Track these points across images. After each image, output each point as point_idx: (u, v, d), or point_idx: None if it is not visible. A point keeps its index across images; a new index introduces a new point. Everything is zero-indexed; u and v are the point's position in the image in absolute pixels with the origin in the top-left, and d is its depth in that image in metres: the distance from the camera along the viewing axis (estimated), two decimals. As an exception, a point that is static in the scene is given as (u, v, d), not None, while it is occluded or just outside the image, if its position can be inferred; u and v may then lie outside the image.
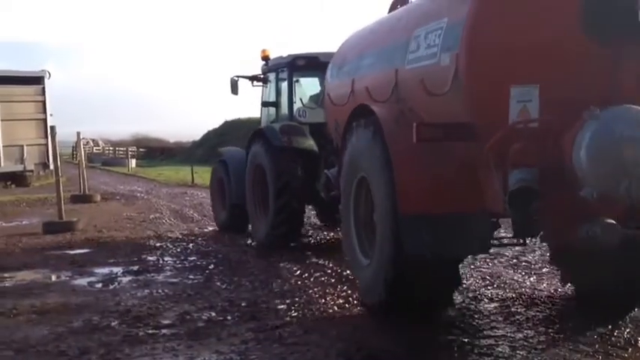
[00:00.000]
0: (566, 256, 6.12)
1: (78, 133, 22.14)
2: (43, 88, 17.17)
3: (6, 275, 8.74)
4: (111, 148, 56.51)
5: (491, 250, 9.03)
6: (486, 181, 4.98)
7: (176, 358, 5.21)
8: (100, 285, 7.92)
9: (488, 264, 8.32)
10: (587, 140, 4.42)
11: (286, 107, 10.50)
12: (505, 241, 6.22)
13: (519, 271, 7.91)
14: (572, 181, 4.57)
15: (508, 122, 4.73)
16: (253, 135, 10.52)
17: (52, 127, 15.13)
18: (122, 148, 50.75)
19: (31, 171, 17.42)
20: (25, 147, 16.67)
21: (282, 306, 6.57)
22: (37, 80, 17.29)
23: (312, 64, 10.17)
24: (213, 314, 6.36)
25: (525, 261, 8.49)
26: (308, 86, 10.75)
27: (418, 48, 5.67)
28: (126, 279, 8.23)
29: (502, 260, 8.55)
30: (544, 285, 7.16)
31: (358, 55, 7.35)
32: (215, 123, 53.91)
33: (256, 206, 10.30)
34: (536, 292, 6.83)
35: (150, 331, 5.88)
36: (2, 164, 16.42)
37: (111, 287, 7.79)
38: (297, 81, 10.51)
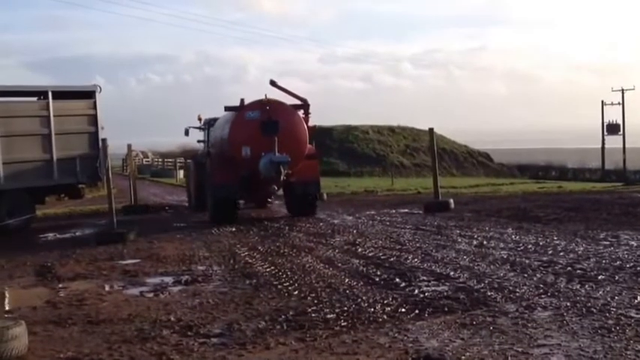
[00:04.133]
0: (287, 201, 17.09)
1: (129, 146, 22.56)
2: (95, 102, 17.46)
3: (60, 285, 8.94)
4: (159, 160, 57.35)
5: (545, 259, 8.97)
6: (238, 174, 15.37)
7: (226, 367, 5.22)
8: (151, 294, 8.02)
9: (541, 272, 8.16)
10: (262, 161, 14.80)
11: (207, 142, 19.36)
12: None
13: (573, 279, 7.72)
14: (259, 174, 14.95)
15: (242, 156, 15.13)
16: (192, 156, 22.45)
17: (104, 140, 15.42)
18: (170, 160, 51.49)
19: (84, 183, 17.74)
20: (77, 160, 16.98)
21: (331, 315, 6.55)
22: (88, 94, 17.60)
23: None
24: (262, 323, 6.37)
25: (580, 269, 8.30)
26: None
27: (225, 131, 15.95)
28: (176, 288, 8.32)
29: (556, 268, 8.37)
30: (599, 293, 6.98)
31: (217, 128, 17.58)
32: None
33: (192, 193, 19.67)
34: (591, 301, 6.66)
35: (200, 340, 5.92)
36: (56, 177, 16.75)
37: (162, 297, 7.88)
38: (212, 130, 19.08)
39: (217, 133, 17.13)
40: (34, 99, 17.44)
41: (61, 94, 17.20)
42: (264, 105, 15.36)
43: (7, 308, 7.96)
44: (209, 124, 19.24)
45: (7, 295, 8.88)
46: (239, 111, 15.52)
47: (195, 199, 18.76)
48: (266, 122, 15.11)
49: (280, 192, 17.09)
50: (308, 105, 16.61)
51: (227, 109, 15.87)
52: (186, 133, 21.33)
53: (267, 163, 14.74)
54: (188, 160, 23.67)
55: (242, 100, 15.59)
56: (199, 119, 20.40)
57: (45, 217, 18.53)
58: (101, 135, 16.97)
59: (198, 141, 20.97)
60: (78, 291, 8.46)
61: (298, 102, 16.60)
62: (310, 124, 16.43)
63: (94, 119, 17.33)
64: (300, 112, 16.24)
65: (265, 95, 15.67)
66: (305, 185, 15.87)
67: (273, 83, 17.04)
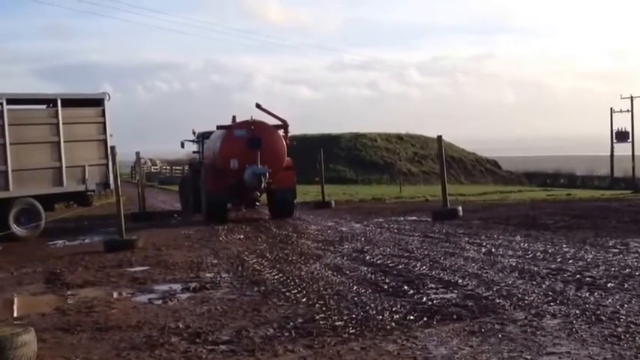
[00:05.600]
0: (269, 205, 19.64)
1: (137, 153, 22.66)
2: (104, 110, 17.54)
3: (69, 292, 8.97)
4: (168, 167, 57.51)
5: (553, 266, 8.94)
6: (227, 182, 18.04)
7: (235, 374, 5.22)
8: (159, 302, 8.03)
9: (550, 280, 8.13)
10: (246, 172, 17.64)
11: (201, 153, 22.20)
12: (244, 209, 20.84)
13: (583, 286, 7.69)
14: (244, 182, 17.78)
15: (230, 167, 17.94)
16: (189, 164, 26.43)
17: (113, 148, 15.46)
18: (178, 167, 51.62)
19: (93, 191, 17.80)
20: (86, 167, 17.05)
21: (339, 322, 6.54)
22: (97, 102, 17.67)
23: (210, 135, 21.02)
24: (271, 330, 6.37)
25: (589, 276, 8.27)
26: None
27: (217, 146, 18.72)
28: (185, 296, 8.33)
29: (565, 276, 8.34)
30: (609, 301, 6.95)
31: (210, 142, 20.13)
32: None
33: (189, 196, 21.57)
34: (600, 309, 6.63)
35: (209, 347, 5.92)
36: (65, 184, 16.82)
37: (170, 304, 7.89)
38: (205, 142, 21.76)
39: (210, 147, 19.97)
40: (44, 107, 17.55)
41: (70, 102, 17.29)
42: (250, 125, 18.32)
43: (16, 315, 7.99)
44: (202, 137, 22.27)
45: (16, 301, 8.92)
46: (229, 129, 18.49)
47: (193, 202, 20.77)
48: (251, 139, 17.96)
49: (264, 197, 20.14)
50: (287, 125, 19.75)
51: (219, 127, 19.09)
52: (182, 145, 24.61)
53: (250, 174, 17.65)
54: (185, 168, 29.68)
55: (234, 117, 18.73)
56: (193, 133, 23.44)
57: (54, 224, 18.58)
58: (110, 142, 17.05)
59: (194, 152, 24.30)
60: (87, 298, 8.48)
61: (279, 122, 19.64)
62: (289, 140, 19.74)
63: (102, 127, 17.41)
64: (281, 131, 19.18)
65: (251, 116, 18.69)
66: (283, 192, 18.69)
67: (258, 106, 19.80)
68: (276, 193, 18.84)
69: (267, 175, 17.74)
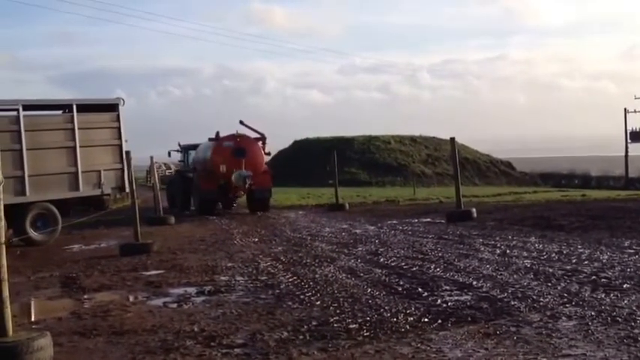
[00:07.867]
0: (248, 202, 23.66)
1: (151, 158, 22.90)
2: (118, 115, 17.65)
3: (86, 297, 9.03)
4: (182, 171, 57.70)
5: (568, 267, 8.90)
6: (217, 183, 22.80)
7: (250, 378, 5.24)
8: (174, 305, 8.07)
9: (565, 281, 8.09)
10: (234, 175, 21.90)
11: (185, 162, 27.64)
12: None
13: (598, 288, 7.65)
14: (232, 183, 22.33)
15: (220, 171, 22.33)
16: (176, 171, 32.14)
17: (128, 153, 15.55)
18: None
19: (108, 195, 17.89)
20: (102, 172, 17.16)
21: (353, 325, 6.54)
22: (112, 107, 17.79)
23: (195, 147, 25.70)
24: (285, 333, 6.39)
25: (605, 277, 8.22)
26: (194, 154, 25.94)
27: (207, 154, 23.11)
28: (199, 299, 8.36)
29: (580, 277, 8.30)
30: (625, 302, 6.91)
31: (201, 152, 24.43)
32: (285, 143, 58.74)
33: (177, 197, 25.65)
34: (616, 310, 6.59)
35: (223, 351, 5.94)
36: (81, 189, 16.94)
37: (185, 307, 7.92)
38: (189, 152, 26.68)
39: (201, 155, 24.22)
40: (59, 112, 17.68)
41: (85, 107, 17.42)
42: (236, 137, 22.78)
43: (32, 319, 8.06)
44: (187, 149, 27.44)
45: (32, 306, 9.00)
46: (218, 141, 22.71)
47: (181, 202, 25.21)
48: (236, 149, 22.31)
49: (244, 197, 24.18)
50: (265, 138, 23.86)
51: (210, 139, 23.25)
52: (169, 154, 30.03)
53: (237, 176, 21.81)
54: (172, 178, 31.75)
55: (217, 133, 22.87)
56: (179, 145, 28.44)
57: (70, 229, 18.71)
58: (125, 147, 17.13)
59: (179, 161, 29.14)
60: (102, 302, 8.53)
61: (259, 136, 23.79)
62: (267, 150, 24.20)
63: (117, 131, 17.51)
64: (260, 143, 23.43)
65: (237, 130, 23.25)
66: (261, 191, 23.02)
67: (241, 123, 23.93)
68: (255, 192, 23.00)
69: (250, 177, 21.90)
